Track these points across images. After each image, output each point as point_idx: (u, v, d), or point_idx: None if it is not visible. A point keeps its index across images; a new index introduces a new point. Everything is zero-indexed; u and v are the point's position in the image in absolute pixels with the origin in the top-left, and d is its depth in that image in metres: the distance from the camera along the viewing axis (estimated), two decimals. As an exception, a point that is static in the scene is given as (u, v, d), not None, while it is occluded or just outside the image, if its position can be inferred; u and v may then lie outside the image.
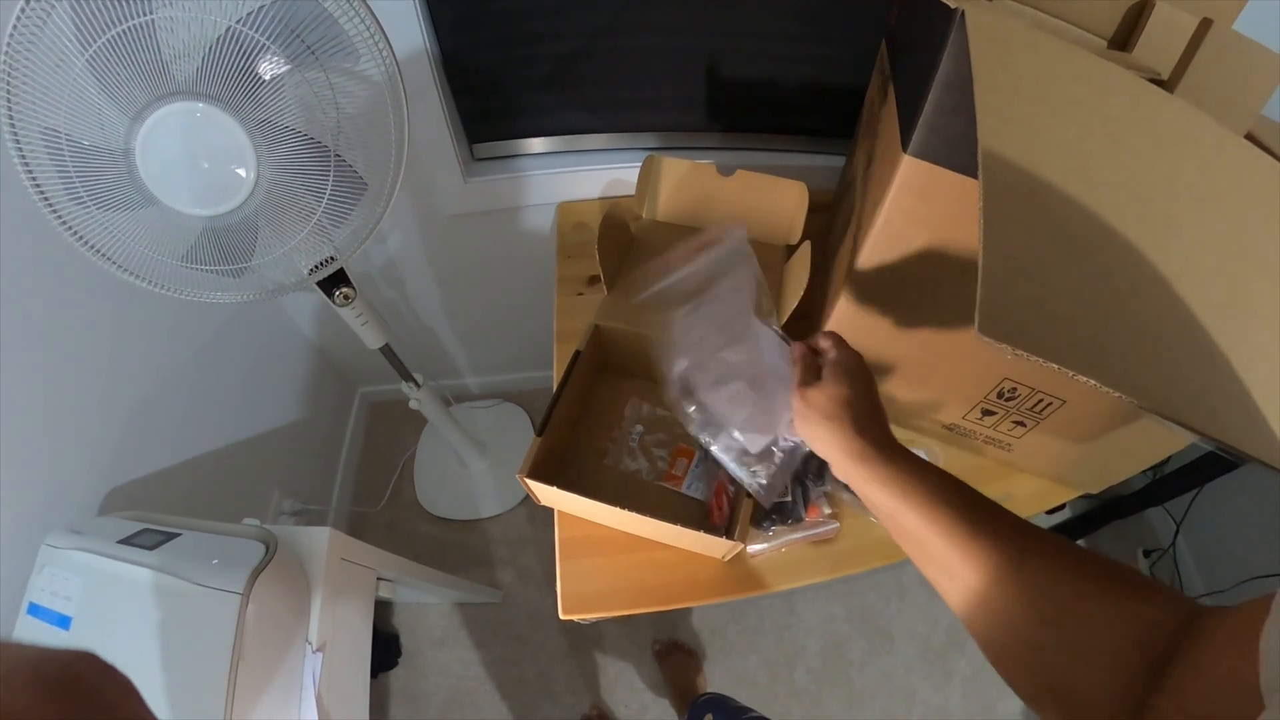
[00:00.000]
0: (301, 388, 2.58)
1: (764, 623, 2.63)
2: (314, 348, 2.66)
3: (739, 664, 2.56)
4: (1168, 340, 0.65)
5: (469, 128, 1.88)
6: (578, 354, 1.32)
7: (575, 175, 1.94)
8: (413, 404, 2.17)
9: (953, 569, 0.70)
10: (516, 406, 3.09)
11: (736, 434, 1.01)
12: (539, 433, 1.22)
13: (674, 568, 1.30)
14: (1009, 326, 0.59)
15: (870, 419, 0.84)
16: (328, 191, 1.22)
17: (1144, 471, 2.41)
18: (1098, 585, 0.63)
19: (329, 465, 2.82)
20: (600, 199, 1.98)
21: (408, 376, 2.05)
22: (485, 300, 2.51)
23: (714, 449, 1.02)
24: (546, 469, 1.23)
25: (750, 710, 1.57)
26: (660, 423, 1.47)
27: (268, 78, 1.08)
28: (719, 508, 1.28)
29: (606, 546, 1.32)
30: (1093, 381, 0.59)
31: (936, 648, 2.58)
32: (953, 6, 0.83)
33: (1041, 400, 1.21)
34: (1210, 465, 2.12)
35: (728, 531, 1.12)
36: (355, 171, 1.23)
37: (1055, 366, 0.59)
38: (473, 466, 2.90)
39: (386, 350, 1.85)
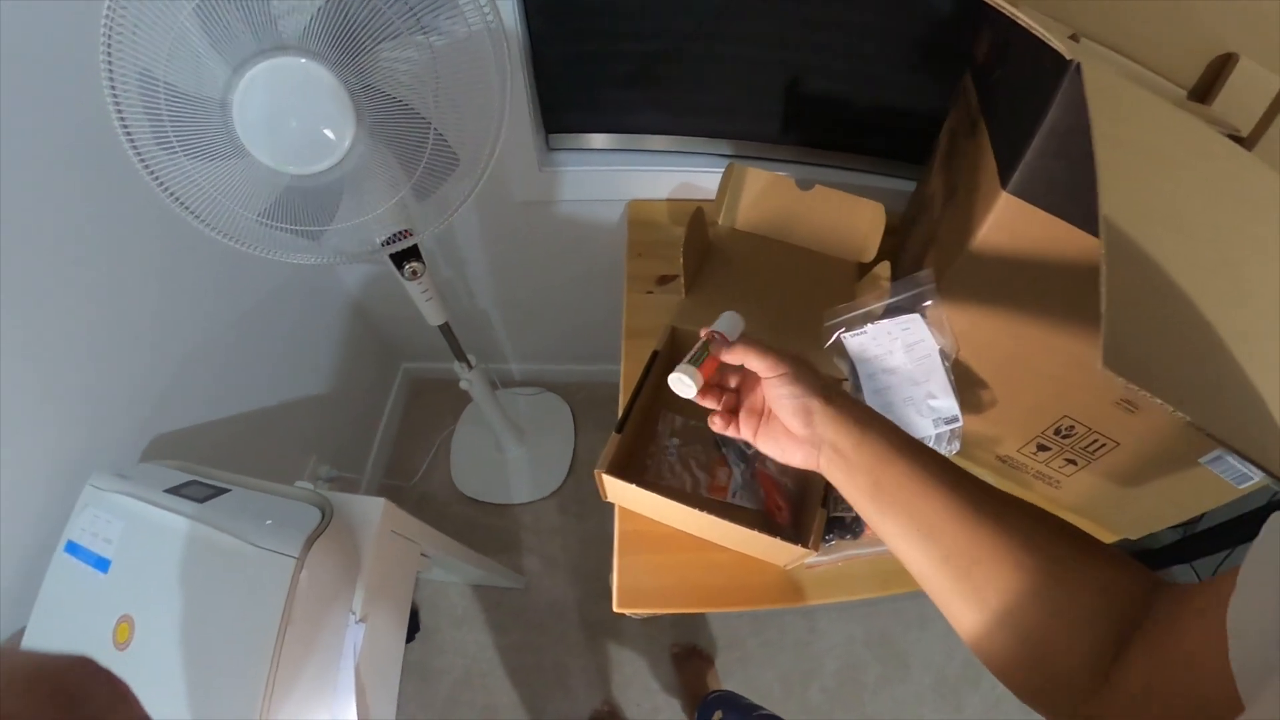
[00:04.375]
0: (346, 357, 2.60)
1: (784, 637, 2.63)
2: (362, 318, 2.68)
3: (756, 676, 2.56)
4: (1256, 388, 0.67)
5: (547, 117, 1.89)
6: (655, 354, 1.33)
7: (647, 175, 1.94)
8: (463, 384, 2.20)
9: (931, 524, 0.71)
10: (558, 397, 3.11)
11: None
12: (618, 429, 1.22)
13: (730, 571, 1.31)
14: (1125, 363, 0.61)
15: (836, 393, 0.83)
16: (421, 165, 1.22)
17: (1175, 527, 2.40)
18: (1072, 542, 0.66)
19: (366, 436, 2.85)
20: (669, 200, 1.99)
21: (461, 356, 2.07)
22: (541, 290, 2.52)
23: None
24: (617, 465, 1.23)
25: (760, 708, 1.57)
26: (694, 433, 1.47)
27: (376, 41, 1.08)
28: (778, 507, 1.29)
29: (665, 544, 1.33)
30: (1188, 419, 0.61)
31: (950, 681, 2.57)
32: (1068, 58, 0.85)
33: (1096, 440, 1.22)
34: (1244, 526, 2.07)
35: (800, 538, 1.12)
36: (449, 146, 1.23)
37: (1160, 402, 0.60)
38: (510, 452, 2.92)
39: (445, 328, 1.86)
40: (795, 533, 1.20)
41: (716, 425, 0.90)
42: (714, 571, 1.31)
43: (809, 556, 1.14)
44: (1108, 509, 1.38)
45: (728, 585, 1.30)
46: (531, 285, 2.51)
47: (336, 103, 1.09)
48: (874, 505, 0.76)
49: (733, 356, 0.87)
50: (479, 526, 2.83)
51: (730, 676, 2.53)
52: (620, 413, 1.29)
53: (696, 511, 1.15)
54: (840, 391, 0.82)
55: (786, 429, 0.84)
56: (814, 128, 1.91)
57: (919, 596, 0.77)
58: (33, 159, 1.18)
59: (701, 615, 2.65)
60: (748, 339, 0.88)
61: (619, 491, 1.23)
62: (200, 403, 1.74)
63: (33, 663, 0.39)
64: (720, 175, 1.78)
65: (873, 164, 1.95)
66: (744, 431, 0.89)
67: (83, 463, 1.34)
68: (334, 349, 2.49)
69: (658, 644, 2.59)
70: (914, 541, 0.72)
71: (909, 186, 1.73)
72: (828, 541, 1.29)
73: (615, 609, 1.27)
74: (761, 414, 0.88)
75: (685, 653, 2.53)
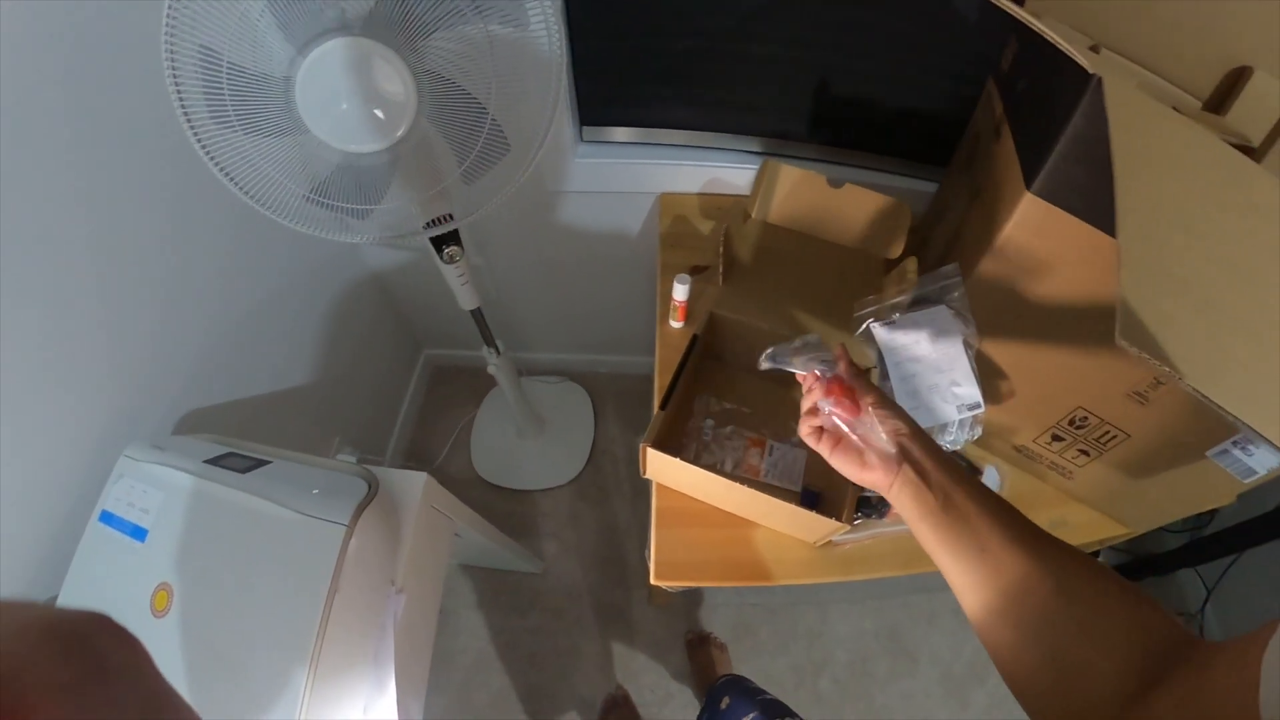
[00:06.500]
0: (370, 341, 2.65)
1: (797, 627, 2.66)
2: (388, 304, 2.73)
3: (768, 664, 2.59)
4: (1251, 365, 0.75)
5: (582, 109, 1.94)
6: (695, 338, 1.38)
7: (677, 169, 1.99)
8: (490, 369, 2.24)
9: (988, 544, 0.76)
10: (579, 386, 3.15)
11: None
12: (662, 407, 1.27)
13: (762, 547, 1.37)
14: (1136, 338, 0.70)
15: (919, 427, 0.92)
16: (475, 149, 1.27)
17: (1181, 530, 2.40)
18: (1106, 579, 0.69)
19: (387, 420, 2.90)
20: (699, 194, 2.04)
21: (491, 342, 2.11)
22: (568, 280, 2.57)
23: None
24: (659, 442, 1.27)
25: (765, 692, 1.61)
26: (729, 416, 1.53)
27: (437, 26, 1.12)
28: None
29: (700, 520, 1.38)
30: (1194, 388, 0.70)
31: (957, 677, 2.60)
32: (1090, 71, 0.92)
33: (1108, 432, 1.28)
34: (1252, 531, 2.06)
35: (833, 513, 1.17)
36: (502, 133, 1.27)
37: (1169, 370, 0.70)
38: (530, 439, 2.96)
39: (477, 313, 1.91)
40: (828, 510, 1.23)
41: (805, 433, 0.98)
42: (746, 547, 1.37)
43: (840, 531, 1.19)
44: (1117, 501, 1.44)
45: (759, 561, 1.35)
46: (559, 275, 2.54)
47: (399, 84, 1.15)
48: (938, 520, 0.81)
49: (852, 380, 0.95)
50: (498, 511, 2.86)
51: (743, 664, 2.57)
52: (661, 393, 1.34)
53: (735, 486, 1.20)
54: (917, 424, 0.90)
55: (870, 450, 0.90)
56: (840, 128, 1.95)
57: (929, 592, 0.83)
58: (68, 135, 1.22)
59: (716, 602, 2.69)
60: (847, 368, 0.97)
61: (660, 466, 1.28)
62: (229, 381, 1.77)
63: (47, 616, 0.38)
64: (749, 171, 1.84)
65: (895, 164, 2.00)
66: (823, 447, 0.95)
67: (115, 435, 1.36)
68: (359, 333, 2.53)
69: (672, 631, 2.62)
70: (966, 556, 0.77)
71: (928, 187, 1.80)
72: (856, 519, 1.34)
73: (652, 581, 1.33)
74: (842, 439, 0.95)
75: (699, 640, 2.56)
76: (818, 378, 0.96)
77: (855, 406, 0.93)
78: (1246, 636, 0.52)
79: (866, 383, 0.93)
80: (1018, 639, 0.70)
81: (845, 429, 0.94)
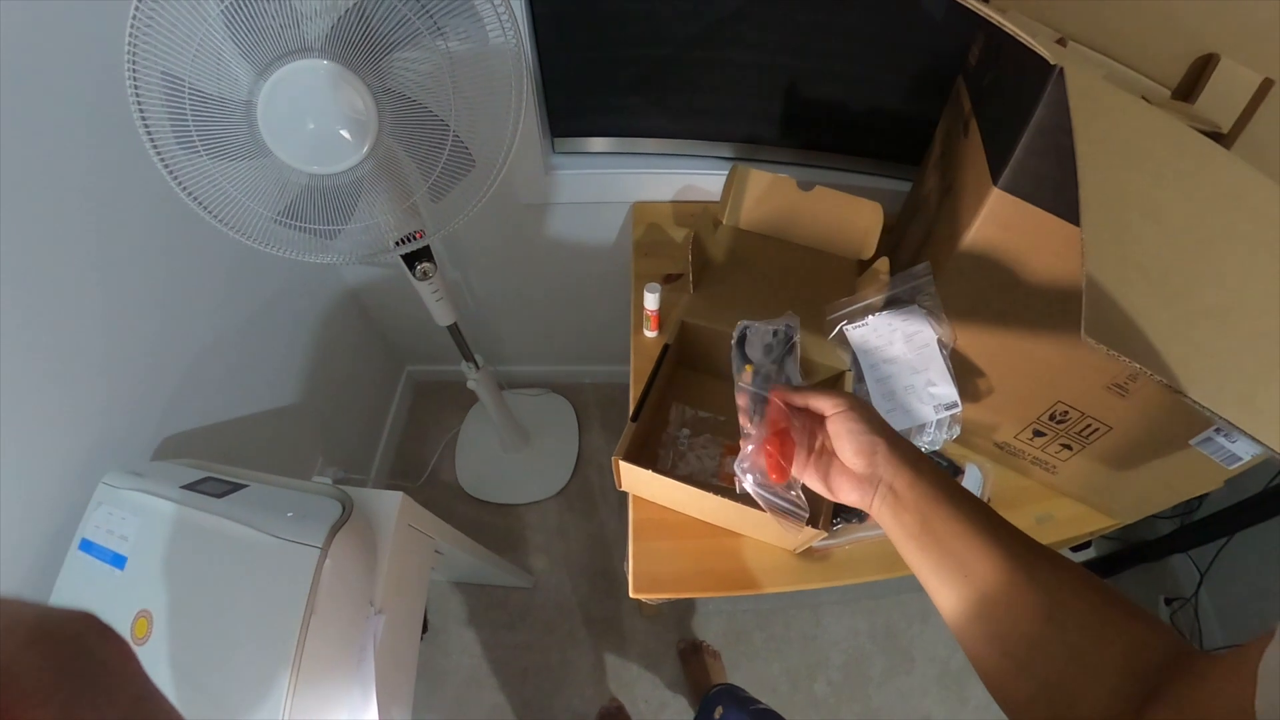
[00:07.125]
0: (352, 360, 2.63)
1: (790, 631, 2.65)
2: (368, 322, 2.72)
3: (762, 670, 2.58)
4: (1222, 356, 0.73)
5: (552, 122, 1.94)
6: (667, 347, 1.38)
7: (650, 177, 1.99)
8: (470, 384, 2.23)
9: (971, 569, 0.72)
10: (562, 398, 3.14)
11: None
12: (633, 418, 1.27)
13: (741, 556, 1.35)
14: (1103, 333, 0.68)
15: (895, 435, 0.84)
16: (439, 166, 1.26)
17: (1172, 516, 2.40)
18: (1099, 597, 0.66)
19: (371, 438, 2.88)
20: (673, 202, 2.04)
21: (469, 356, 2.10)
22: (546, 291, 2.56)
23: None
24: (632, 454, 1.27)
25: (758, 702, 1.62)
26: (704, 424, 1.52)
27: (396, 45, 1.12)
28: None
29: (678, 531, 1.37)
30: (1162, 380, 0.68)
31: (954, 673, 2.59)
32: (1052, 63, 0.91)
33: (1090, 425, 1.27)
34: (1243, 514, 2.06)
35: (810, 520, 1.14)
36: (466, 148, 1.27)
37: (1138, 366, 0.68)
38: (515, 452, 2.95)
39: (454, 329, 1.90)
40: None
41: (775, 478, 0.91)
42: (725, 557, 1.35)
43: (819, 538, 1.19)
44: (1102, 493, 1.43)
45: (739, 570, 1.34)
46: (536, 287, 2.54)
47: (360, 104, 1.14)
48: (918, 543, 0.77)
49: (797, 399, 0.90)
50: (485, 526, 2.85)
51: (737, 671, 2.56)
52: (633, 404, 1.33)
53: (709, 495, 1.19)
54: (898, 434, 0.84)
55: (843, 468, 0.85)
56: (813, 130, 1.96)
57: (921, 591, 0.79)
58: (37, 163, 1.20)
59: (708, 610, 2.68)
60: (805, 385, 0.92)
61: (634, 478, 1.27)
62: (209, 405, 1.76)
63: (35, 614, 0.38)
64: (722, 177, 1.81)
65: (869, 165, 2.01)
66: (796, 471, 0.90)
67: (94, 463, 1.35)
68: (339, 352, 2.52)
69: (664, 641, 2.61)
70: (949, 581, 0.74)
71: (904, 186, 1.77)
72: (835, 525, 1.33)
73: (631, 595, 1.31)
74: (812, 455, 0.89)
75: (691, 648, 2.55)
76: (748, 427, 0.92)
77: (785, 470, 0.89)
78: (1242, 647, 0.51)
79: (834, 397, 0.86)
80: (1006, 665, 0.67)
81: (765, 494, 0.91)
